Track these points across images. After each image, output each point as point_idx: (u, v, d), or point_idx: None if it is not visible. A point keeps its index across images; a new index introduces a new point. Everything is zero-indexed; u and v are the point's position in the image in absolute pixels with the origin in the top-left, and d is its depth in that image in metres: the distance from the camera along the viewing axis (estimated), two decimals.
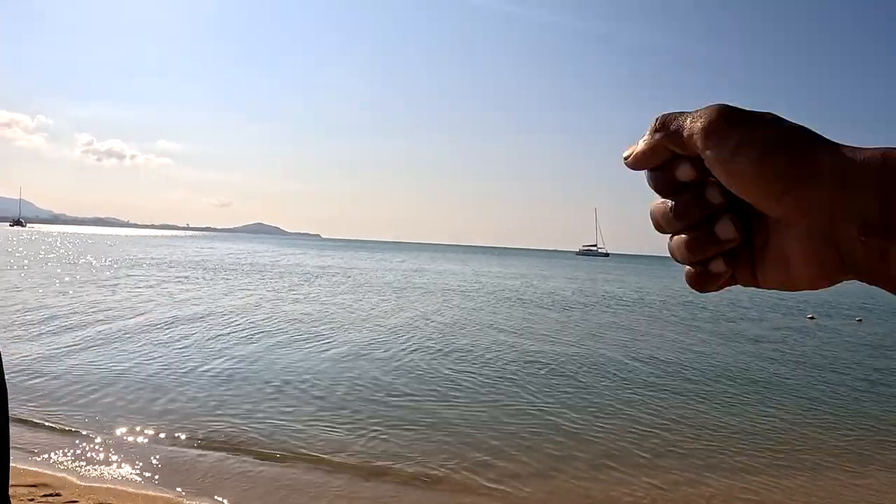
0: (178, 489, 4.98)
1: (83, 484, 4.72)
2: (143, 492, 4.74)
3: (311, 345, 11.31)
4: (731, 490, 5.59)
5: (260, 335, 12.00)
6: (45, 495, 4.35)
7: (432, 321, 15.74)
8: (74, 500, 4.38)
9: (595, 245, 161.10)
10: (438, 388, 8.57)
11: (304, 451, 5.90)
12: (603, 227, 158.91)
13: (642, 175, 0.47)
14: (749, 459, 6.37)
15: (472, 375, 9.49)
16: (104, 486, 4.78)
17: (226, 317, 14.36)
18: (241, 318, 14.34)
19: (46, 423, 6.14)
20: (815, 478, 6.02)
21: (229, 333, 12.02)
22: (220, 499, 4.86)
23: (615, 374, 10.27)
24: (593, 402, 8.29)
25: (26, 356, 8.97)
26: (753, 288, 0.45)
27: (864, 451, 6.92)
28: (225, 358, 9.74)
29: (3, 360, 1.34)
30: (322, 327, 13.56)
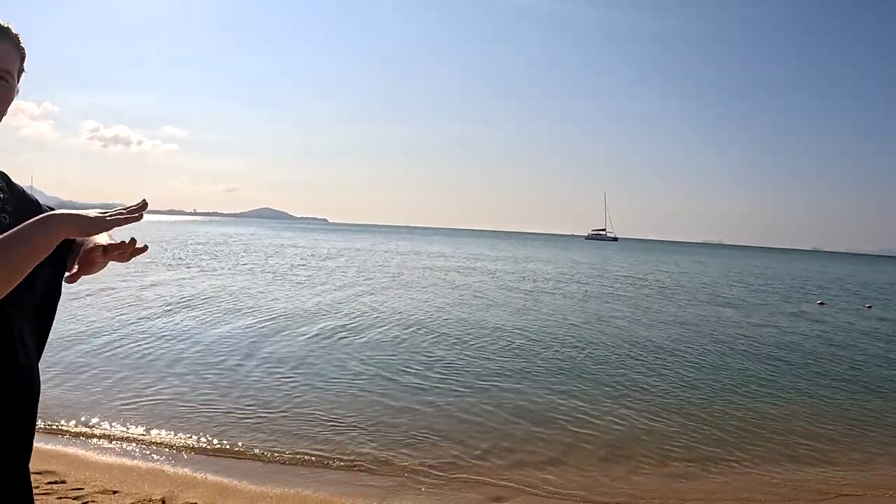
0: (187, 469, 5.02)
1: (88, 471, 4.74)
2: (148, 475, 4.76)
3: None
4: (740, 481, 5.57)
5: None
6: (49, 483, 4.36)
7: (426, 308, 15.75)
8: (79, 486, 4.39)
9: (604, 230, 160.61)
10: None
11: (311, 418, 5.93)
12: (613, 212, 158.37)
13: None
14: (751, 451, 6.35)
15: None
16: (110, 471, 4.80)
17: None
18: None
19: (51, 411, 6.16)
20: (822, 470, 5.99)
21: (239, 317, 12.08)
22: (227, 477, 4.90)
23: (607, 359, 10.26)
24: (604, 390, 8.28)
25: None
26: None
27: (869, 444, 6.87)
28: (224, 343, 9.79)
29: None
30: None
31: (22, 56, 1.41)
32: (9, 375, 1.36)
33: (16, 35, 1.39)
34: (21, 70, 1.42)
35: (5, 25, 1.37)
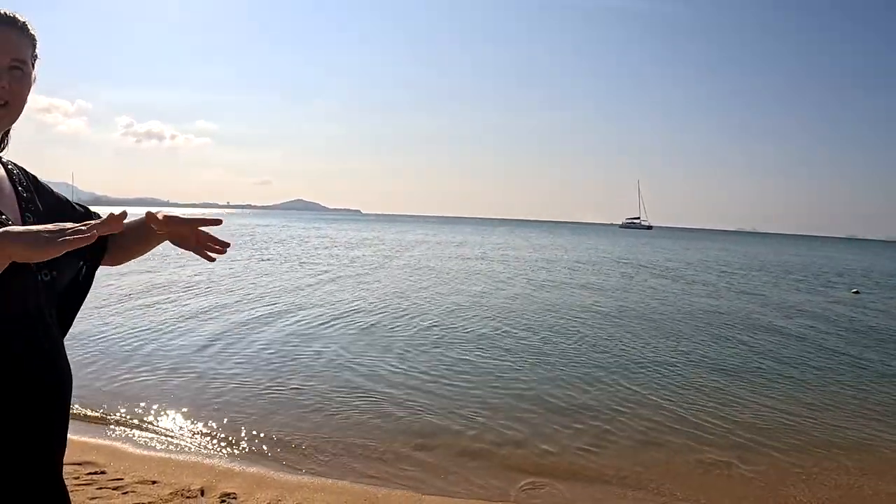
0: (224, 460, 5.07)
1: (128, 462, 4.79)
2: (186, 466, 4.79)
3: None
4: (778, 473, 5.41)
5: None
6: (89, 473, 4.41)
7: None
8: (119, 477, 4.43)
9: (638, 218, 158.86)
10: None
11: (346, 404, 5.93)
12: (647, 200, 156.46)
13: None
14: (790, 442, 6.16)
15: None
16: (149, 462, 4.84)
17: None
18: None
19: (90, 401, 6.26)
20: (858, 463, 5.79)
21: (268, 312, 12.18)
22: (265, 467, 4.92)
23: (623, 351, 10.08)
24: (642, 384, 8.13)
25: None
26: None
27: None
28: (267, 330, 9.86)
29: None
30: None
31: (33, 42, 1.43)
32: (29, 364, 1.31)
33: (24, 23, 1.40)
34: (34, 56, 1.44)
35: (12, 14, 1.38)
